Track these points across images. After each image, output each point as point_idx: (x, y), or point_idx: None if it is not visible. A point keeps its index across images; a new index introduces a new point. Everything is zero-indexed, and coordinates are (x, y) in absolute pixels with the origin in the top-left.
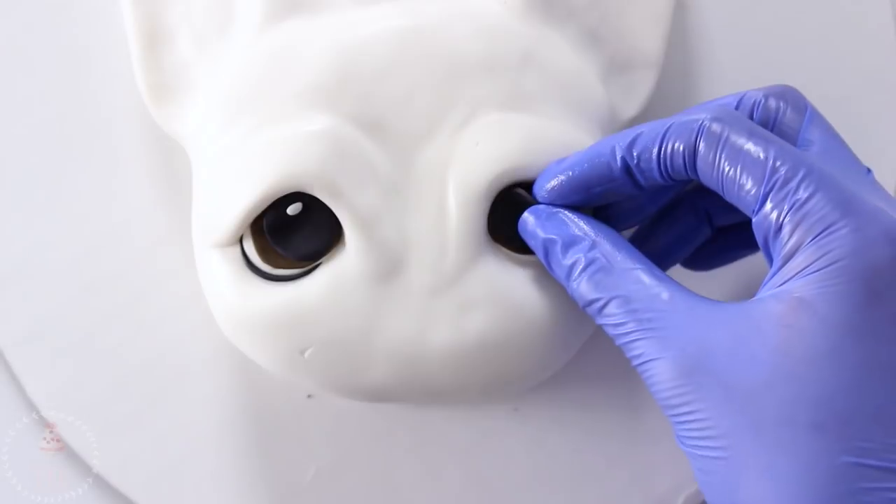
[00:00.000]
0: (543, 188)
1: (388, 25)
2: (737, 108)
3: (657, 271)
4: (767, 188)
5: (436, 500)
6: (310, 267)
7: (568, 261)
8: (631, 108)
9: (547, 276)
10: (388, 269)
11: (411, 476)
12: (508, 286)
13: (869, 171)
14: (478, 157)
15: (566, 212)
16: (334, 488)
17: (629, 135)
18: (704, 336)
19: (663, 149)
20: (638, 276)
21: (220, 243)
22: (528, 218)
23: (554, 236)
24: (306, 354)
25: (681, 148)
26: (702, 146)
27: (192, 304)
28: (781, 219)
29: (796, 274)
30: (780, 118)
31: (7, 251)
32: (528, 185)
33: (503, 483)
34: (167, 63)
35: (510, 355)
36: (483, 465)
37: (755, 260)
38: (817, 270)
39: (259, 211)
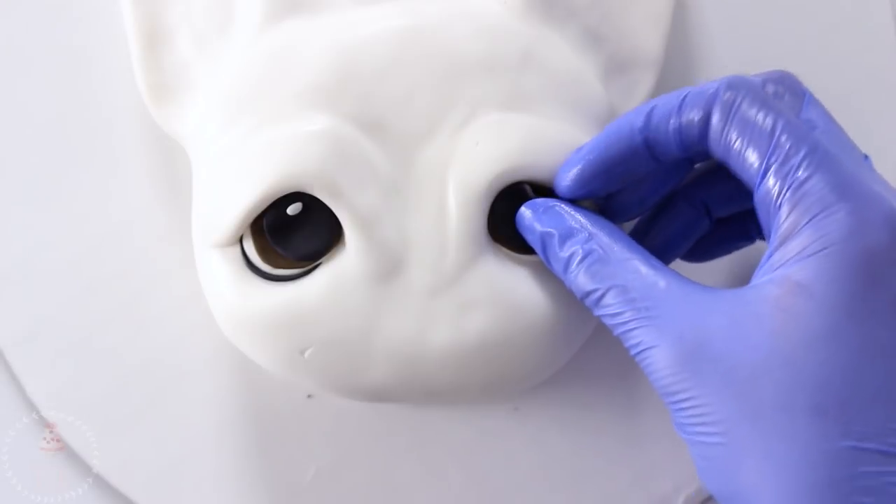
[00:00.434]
0: (566, 177)
1: (388, 25)
2: None
3: (654, 260)
4: (770, 163)
5: (436, 500)
6: (310, 267)
7: (565, 253)
8: (631, 107)
9: (547, 276)
10: (388, 269)
11: (411, 476)
12: (508, 286)
13: (867, 157)
14: (478, 156)
15: (563, 204)
16: (334, 488)
17: (644, 110)
18: (701, 322)
19: (680, 119)
20: (635, 265)
21: (220, 243)
22: (525, 212)
23: (551, 229)
24: (306, 354)
25: (696, 118)
26: (715, 115)
27: (192, 304)
28: (781, 197)
29: (793, 256)
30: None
31: (7, 251)
32: (531, 183)
33: (503, 483)
34: (167, 63)
35: (510, 355)
36: (483, 465)
37: (751, 249)
38: (814, 253)
39: (259, 211)
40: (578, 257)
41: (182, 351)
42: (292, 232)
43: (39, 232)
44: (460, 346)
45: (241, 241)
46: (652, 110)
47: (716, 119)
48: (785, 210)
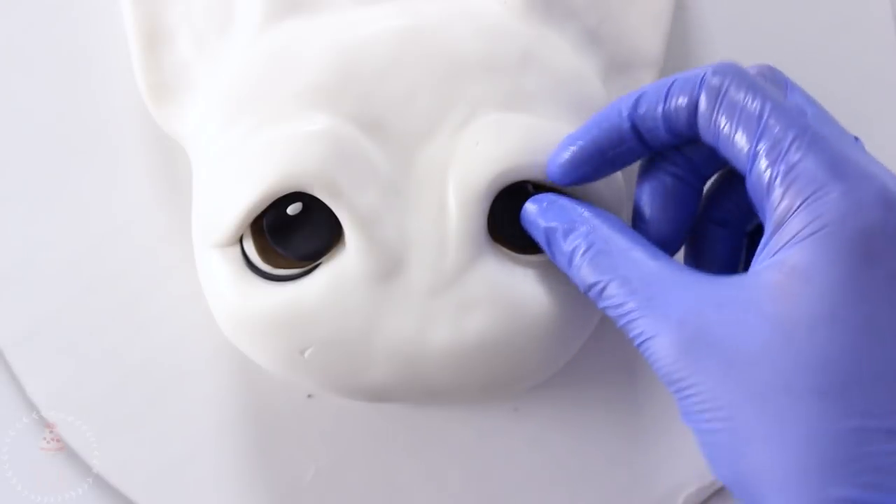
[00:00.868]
0: (557, 163)
1: (388, 25)
2: None
3: (655, 250)
4: (760, 146)
5: (436, 500)
6: (310, 267)
7: (569, 246)
8: None
9: (547, 276)
10: (388, 268)
11: (411, 476)
12: (508, 286)
13: (857, 139)
14: (478, 156)
15: (566, 199)
16: (334, 488)
17: (633, 95)
18: (702, 310)
19: (667, 105)
20: (636, 255)
21: (220, 243)
22: (529, 207)
23: (555, 224)
24: (306, 354)
25: (683, 103)
26: (702, 101)
27: (192, 304)
28: (773, 180)
29: (789, 240)
30: None
31: (7, 251)
32: (532, 183)
33: (503, 483)
34: (167, 63)
35: (510, 355)
36: (483, 465)
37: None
38: (809, 235)
39: (259, 211)
40: (581, 250)
41: (182, 351)
42: (292, 232)
43: (39, 232)
44: (460, 346)
45: (241, 240)
46: (641, 96)
47: (703, 104)
48: (778, 193)
